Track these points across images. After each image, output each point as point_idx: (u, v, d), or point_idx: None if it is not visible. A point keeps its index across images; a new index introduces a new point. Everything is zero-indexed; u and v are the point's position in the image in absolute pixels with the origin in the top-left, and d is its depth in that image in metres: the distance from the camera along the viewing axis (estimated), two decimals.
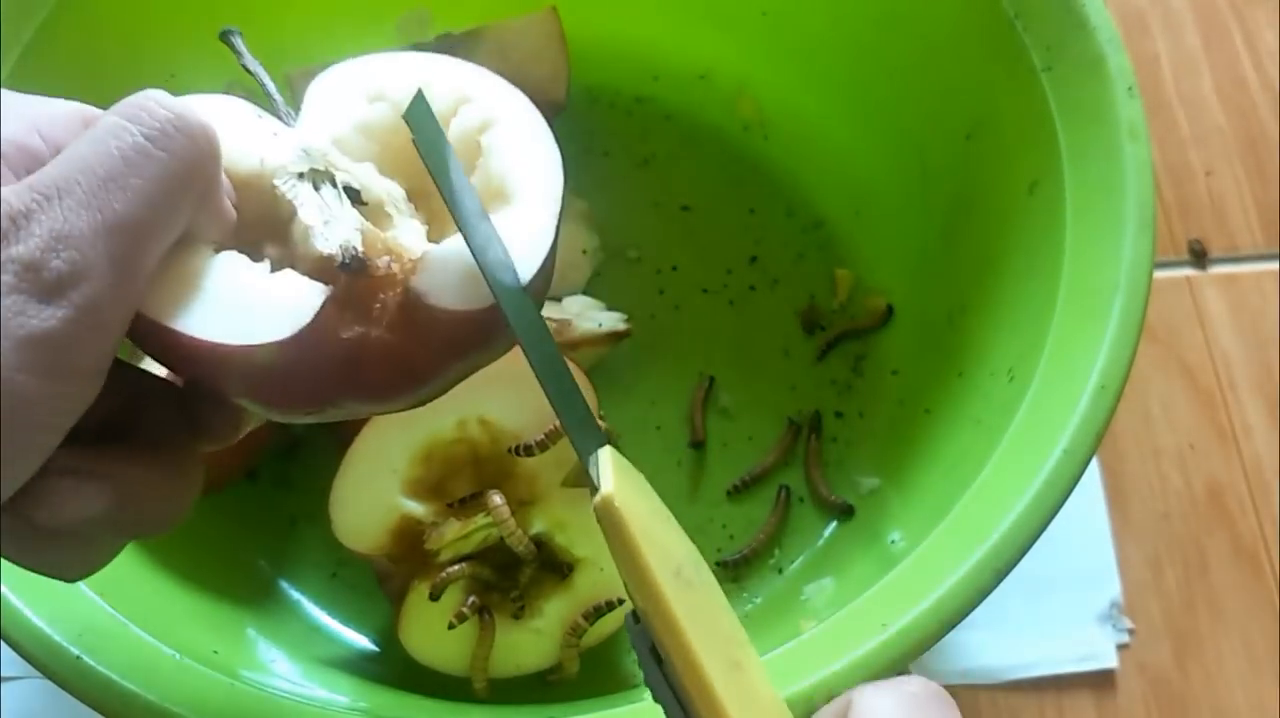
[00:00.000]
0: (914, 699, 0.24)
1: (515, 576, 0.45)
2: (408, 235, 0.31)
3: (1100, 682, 0.53)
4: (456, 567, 0.44)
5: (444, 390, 0.31)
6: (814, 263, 0.57)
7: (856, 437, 0.53)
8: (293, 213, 0.30)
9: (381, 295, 0.29)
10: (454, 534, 0.44)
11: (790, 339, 0.56)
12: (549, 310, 0.52)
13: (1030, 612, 0.53)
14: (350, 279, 0.29)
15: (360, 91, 0.34)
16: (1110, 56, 0.43)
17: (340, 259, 0.29)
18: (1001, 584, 0.36)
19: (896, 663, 0.35)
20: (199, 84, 0.52)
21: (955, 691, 0.52)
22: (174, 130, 0.27)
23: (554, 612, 0.45)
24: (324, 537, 0.45)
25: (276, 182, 0.31)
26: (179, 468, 0.30)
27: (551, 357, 0.28)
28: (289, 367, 0.28)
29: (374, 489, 0.44)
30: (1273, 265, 0.62)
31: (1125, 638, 0.53)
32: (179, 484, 0.30)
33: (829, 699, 0.26)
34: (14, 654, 0.35)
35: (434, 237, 0.32)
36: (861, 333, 0.55)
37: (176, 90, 0.29)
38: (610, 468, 0.26)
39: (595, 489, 0.26)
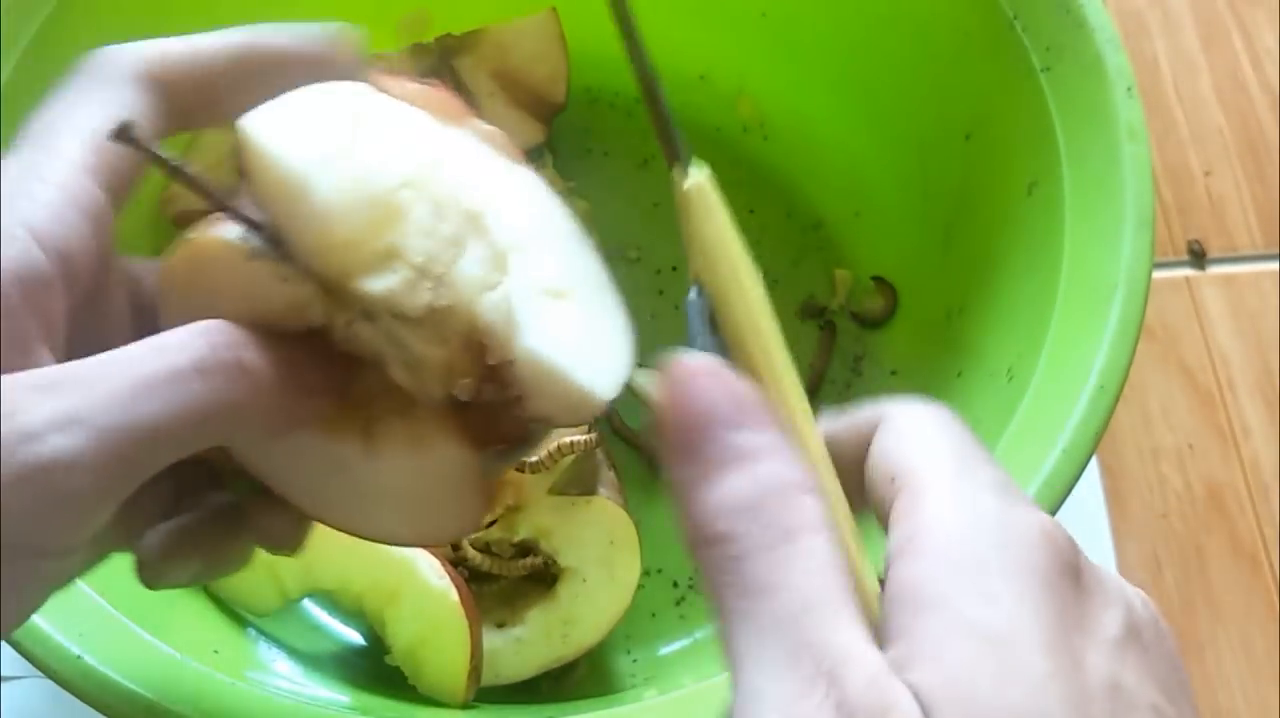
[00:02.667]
0: (942, 415, 0.25)
1: (497, 579, 0.46)
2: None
3: None
4: None
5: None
6: (814, 263, 0.57)
7: None
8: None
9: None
10: None
11: (790, 339, 0.55)
12: None
13: None
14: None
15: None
16: (1109, 57, 0.43)
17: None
18: None
19: None
20: None
21: None
22: (223, 371, 0.26)
23: (536, 621, 0.45)
24: None
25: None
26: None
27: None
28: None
29: None
30: (1272, 266, 0.62)
31: None
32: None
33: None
34: (14, 653, 0.35)
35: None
36: (864, 320, 0.55)
37: None
38: (704, 172, 0.28)
39: (685, 176, 0.29)
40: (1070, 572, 0.22)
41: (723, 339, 0.27)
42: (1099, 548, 0.55)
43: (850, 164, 0.56)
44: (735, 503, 0.22)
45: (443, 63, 0.55)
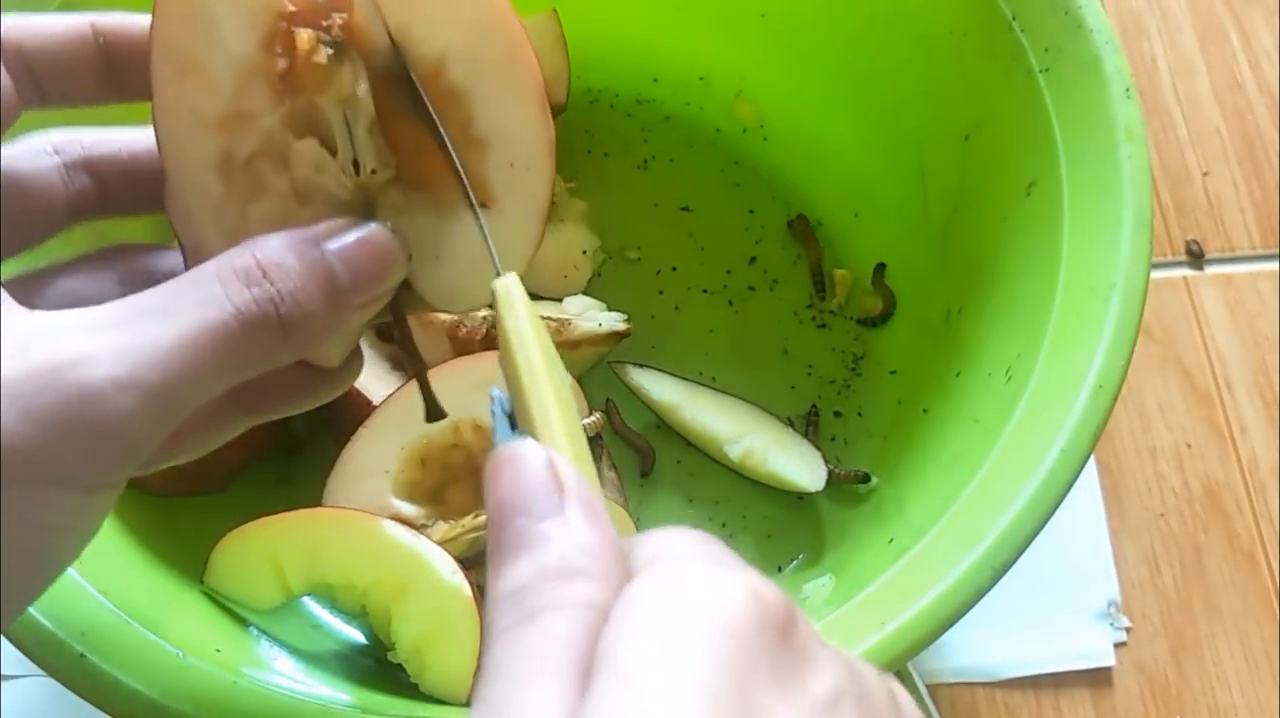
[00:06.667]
0: (691, 534, 0.25)
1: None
2: None
3: (1097, 680, 0.53)
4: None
5: None
6: None
7: (855, 436, 0.54)
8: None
9: None
10: (440, 537, 0.44)
11: (790, 339, 0.56)
12: (550, 310, 0.53)
13: (1028, 610, 0.53)
14: None
15: None
16: (1107, 58, 0.43)
17: None
18: (999, 583, 0.36)
19: (895, 661, 0.35)
20: None
21: (953, 688, 0.52)
22: (263, 321, 0.28)
23: None
24: None
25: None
26: None
27: None
28: None
29: (367, 489, 0.44)
30: (1269, 265, 0.62)
31: (1122, 636, 0.54)
32: None
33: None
34: (16, 652, 0.35)
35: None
36: (864, 320, 0.55)
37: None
38: (515, 277, 0.28)
39: (498, 274, 0.28)
40: (776, 631, 0.22)
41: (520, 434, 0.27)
42: (1097, 548, 0.55)
43: (850, 164, 0.56)
44: (509, 589, 0.23)
45: None
